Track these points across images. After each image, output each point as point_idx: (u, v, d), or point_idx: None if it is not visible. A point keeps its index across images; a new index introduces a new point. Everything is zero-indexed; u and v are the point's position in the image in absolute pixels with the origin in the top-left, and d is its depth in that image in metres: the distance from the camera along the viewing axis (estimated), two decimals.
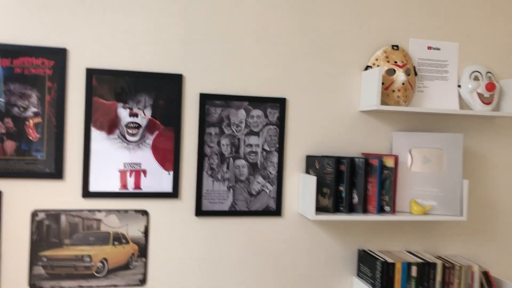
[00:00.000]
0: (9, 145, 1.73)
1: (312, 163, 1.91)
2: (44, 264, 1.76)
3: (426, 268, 1.86)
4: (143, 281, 1.84)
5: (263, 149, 1.92)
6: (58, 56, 1.76)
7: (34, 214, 1.75)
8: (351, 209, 1.87)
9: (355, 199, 1.86)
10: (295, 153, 1.94)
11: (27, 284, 1.75)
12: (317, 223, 1.97)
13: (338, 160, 1.84)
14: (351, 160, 1.85)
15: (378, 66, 1.92)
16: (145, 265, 1.84)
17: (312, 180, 1.78)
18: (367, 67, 1.97)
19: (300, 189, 1.92)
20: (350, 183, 1.85)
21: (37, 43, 1.73)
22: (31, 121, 1.75)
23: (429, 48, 2.05)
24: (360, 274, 1.98)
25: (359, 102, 1.99)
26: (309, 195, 1.80)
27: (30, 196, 1.75)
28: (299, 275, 1.96)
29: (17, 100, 1.73)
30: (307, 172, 1.93)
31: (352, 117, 1.99)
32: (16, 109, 1.73)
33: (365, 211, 1.86)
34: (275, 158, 1.93)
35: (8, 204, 1.73)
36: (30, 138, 1.74)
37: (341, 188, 1.85)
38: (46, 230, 1.76)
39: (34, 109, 1.75)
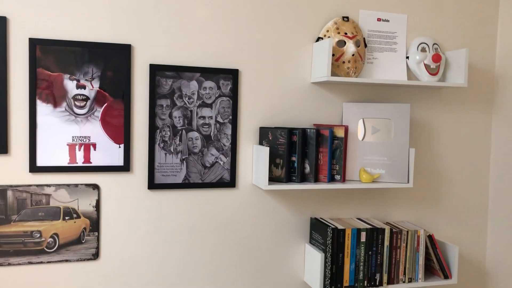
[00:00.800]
0: None
1: (265, 135, 2.02)
2: None
3: (375, 233, 2.03)
4: (96, 255, 1.91)
5: (216, 121, 2.00)
6: None
7: None
8: (303, 179, 2.00)
9: (307, 169, 1.99)
10: (249, 124, 2.04)
11: None
12: (270, 193, 2.09)
13: (290, 131, 1.96)
14: (303, 131, 1.97)
15: (329, 37, 2.03)
16: (98, 239, 1.91)
17: (265, 151, 1.89)
18: (318, 39, 2.08)
19: (254, 160, 2.03)
20: (302, 154, 1.98)
21: None
22: None
23: (379, 19, 2.18)
24: (312, 241, 2.14)
25: (311, 74, 2.11)
26: (262, 166, 1.91)
27: None
28: (253, 245, 2.09)
29: None
30: (261, 143, 2.04)
31: (304, 89, 2.11)
32: None
33: (316, 180, 2.00)
34: (228, 130, 2.02)
35: None
36: None
37: (294, 159, 1.97)
38: None
39: None
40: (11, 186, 1.78)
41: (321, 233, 2.02)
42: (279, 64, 2.03)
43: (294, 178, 1.96)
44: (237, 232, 2.04)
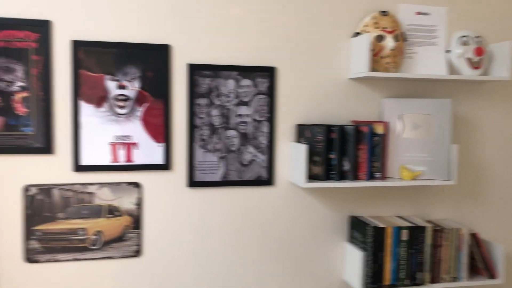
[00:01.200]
0: None
1: (302, 132, 2.01)
2: (39, 238, 1.86)
3: (416, 231, 2.00)
4: (138, 252, 1.95)
5: (254, 119, 2.01)
6: (42, 29, 1.81)
7: (26, 189, 1.84)
8: (342, 176, 1.98)
9: (346, 166, 1.97)
10: (286, 122, 2.04)
11: (23, 258, 1.85)
12: (308, 191, 2.09)
13: (328, 128, 1.95)
14: (342, 128, 1.96)
15: (367, 32, 2.01)
16: (140, 236, 1.95)
17: (303, 148, 1.89)
18: (356, 34, 2.06)
19: (291, 158, 2.03)
20: (341, 151, 1.96)
21: (19, 16, 1.78)
22: (18, 96, 1.81)
23: (418, 13, 2.14)
24: (351, 239, 2.12)
25: (349, 70, 2.09)
26: (300, 163, 1.91)
27: (20, 171, 1.83)
28: (291, 243, 2.09)
29: (3, 74, 1.79)
30: (298, 141, 2.04)
31: (342, 85, 2.09)
32: (2, 83, 1.79)
33: (355, 178, 1.98)
34: (265, 128, 2.02)
35: None
36: (18, 112, 1.81)
37: (332, 156, 1.96)
38: (39, 205, 1.86)
39: (21, 83, 1.81)
40: (56, 185, 1.84)
41: (361, 231, 2.00)
42: (316, 61, 2.02)
43: (332, 175, 1.94)
44: (275, 229, 2.05)
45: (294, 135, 2.04)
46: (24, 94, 1.80)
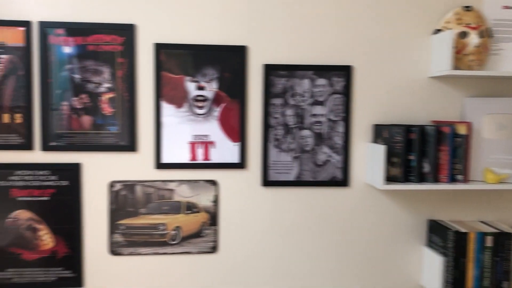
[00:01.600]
0: (86, 120, 1.92)
1: (380, 132, 1.97)
2: (122, 232, 1.96)
3: (502, 238, 1.90)
4: (214, 248, 2.00)
5: (329, 119, 2.00)
6: (128, 32, 1.90)
7: (111, 185, 1.95)
8: (421, 179, 1.92)
9: (426, 168, 1.91)
10: (362, 122, 2.01)
11: (108, 251, 1.96)
12: (385, 193, 2.04)
13: (407, 128, 1.90)
14: (422, 128, 1.90)
15: (449, 29, 1.93)
16: (216, 233, 2.00)
17: (381, 149, 1.85)
18: (437, 31, 1.99)
19: (368, 159, 2.00)
20: (421, 152, 1.90)
21: (107, 20, 1.88)
22: (105, 96, 1.92)
23: (505, 7, 2.02)
24: (430, 244, 2.05)
25: (429, 68, 2.02)
26: (378, 164, 1.87)
27: (106, 167, 1.94)
28: (367, 245, 2.06)
29: (91, 76, 1.91)
30: (375, 141, 2.00)
31: (421, 84, 2.02)
32: (91, 85, 1.91)
33: (436, 180, 1.91)
34: (341, 128, 2.01)
35: (87, 176, 1.94)
36: (105, 112, 1.92)
37: (411, 157, 1.90)
38: (122, 200, 1.96)
39: (107, 85, 1.92)
40: (139, 181, 1.93)
41: (441, 236, 1.93)
42: (394, 59, 1.97)
43: (411, 177, 1.89)
44: (350, 232, 2.03)
45: (370, 136, 2.00)
46: (110, 95, 1.90)
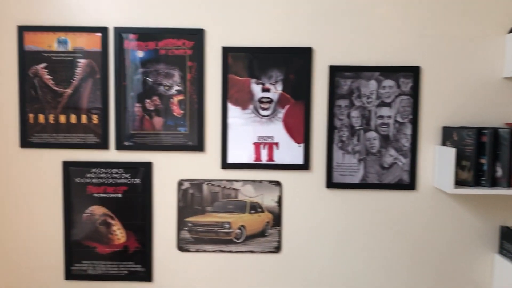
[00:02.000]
0: (158, 121, 2.01)
1: (449, 135, 1.93)
2: (190, 229, 2.04)
3: None
4: (278, 248, 2.04)
5: (396, 121, 1.98)
6: (197, 37, 1.98)
7: (180, 183, 2.03)
8: (493, 183, 1.86)
9: (499, 172, 1.85)
10: (430, 124, 1.97)
11: (176, 247, 2.04)
12: (454, 198, 1.99)
13: (479, 131, 1.84)
14: (495, 130, 1.83)
15: None
16: (280, 233, 2.03)
17: (450, 152, 1.81)
18: (511, 30, 1.91)
19: (436, 162, 1.96)
20: (493, 156, 1.84)
21: (178, 25, 1.96)
22: (175, 99, 2.00)
23: None
24: (502, 251, 1.97)
25: (503, 68, 1.95)
26: (447, 168, 1.83)
27: (176, 167, 2.02)
28: (434, 251, 2.01)
29: (163, 79, 1.99)
30: (444, 144, 1.96)
31: (494, 85, 1.95)
32: (162, 88, 2.00)
33: (510, 185, 1.84)
34: (408, 130, 1.98)
35: (157, 174, 2.03)
36: (175, 114, 2.00)
37: (483, 161, 1.85)
38: (190, 198, 2.03)
39: (177, 87, 2.00)
40: (206, 180, 2.00)
41: None
42: (464, 59, 1.92)
43: (483, 182, 1.83)
44: (415, 236, 1.99)
45: (439, 138, 1.95)
46: (180, 97, 1.98)
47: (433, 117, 1.95)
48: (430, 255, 1.99)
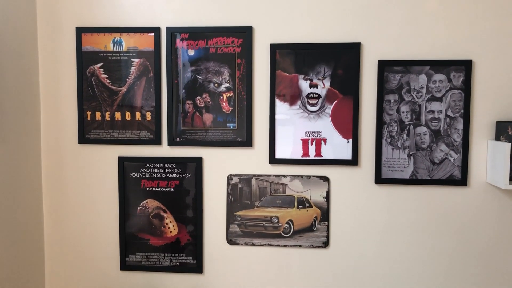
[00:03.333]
0: (208, 118, 2.09)
1: (503, 129, 1.90)
2: (239, 223, 2.10)
3: None
4: (326, 243, 2.07)
5: (446, 115, 1.97)
6: (246, 34, 2.04)
7: (229, 178, 2.10)
8: None
9: None
10: (483, 118, 1.95)
11: (225, 240, 2.12)
12: (509, 194, 1.96)
13: None
14: None
15: None
16: (328, 228, 2.07)
17: (505, 147, 1.78)
18: None
19: (489, 157, 1.93)
20: None
21: (227, 24, 2.03)
22: (224, 96, 2.07)
23: None
24: None
25: None
26: (501, 163, 1.81)
27: (225, 162, 2.09)
28: (487, 249, 1.99)
29: (213, 77, 2.07)
30: (498, 138, 1.93)
31: None
32: (212, 85, 2.07)
33: None
34: (460, 125, 1.96)
35: (208, 169, 2.11)
36: (224, 110, 2.07)
37: None
38: (239, 193, 2.10)
39: (227, 84, 2.07)
40: (254, 175, 2.06)
41: None
42: None
43: None
44: (469, 234, 1.98)
45: (492, 133, 1.93)
46: (229, 94, 2.05)
47: (485, 111, 1.93)
48: (484, 252, 1.97)
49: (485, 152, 1.94)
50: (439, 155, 1.96)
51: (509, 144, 1.77)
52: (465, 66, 1.93)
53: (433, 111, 1.95)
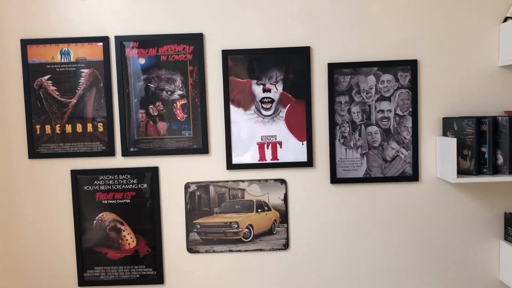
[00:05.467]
0: (162, 126, 2.08)
1: (449, 125, 1.99)
2: (198, 230, 2.11)
3: None
4: (286, 245, 2.10)
5: (396, 114, 2.04)
6: (197, 41, 2.05)
7: (187, 186, 2.10)
8: (495, 171, 1.92)
9: (500, 160, 1.91)
10: (430, 115, 2.03)
11: (185, 249, 2.11)
12: (458, 187, 2.05)
13: (478, 120, 1.90)
14: (494, 119, 1.90)
15: None
16: (287, 230, 2.10)
17: (452, 142, 1.87)
18: (506, 19, 1.98)
19: (438, 153, 2.02)
20: (494, 144, 1.90)
21: (177, 31, 2.03)
22: (178, 103, 2.07)
23: None
24: (507, 237, 2.03)
25: (498, 57, 2.01)
26: (449, 158, 1.89)
27: (182, 170, 2.09)
28: (440, 241, 2.07)
29: (165, 85, 2.07)
30: (445, 134, 2.02)
31: (491, 74, 2.02)
32: (165, 93, 2.07)
33: (511, 172, 1.90)
34: (408, 123, 2.04)
35: (164, 178, 2.10)
36: (178, 118, 2.08)
37: (484, 149, 1.91)
38: (197, 200, 2.10)
39: (180, 92, 2.07)
40: (212, 182, 2.07)
41: None
42: (461, 50, 1.99)
43: (485, 170, 1.90)
44: (421, 227, 2.06)
45: (439, 129, 2.02)
46: (183, 102, 2.06)
47: (432, 108, 2.01)
48: (436, 244, 2.05)
49: (434, 148, 2.02)
50: (390, 153, 2.03)
51: (455, 139, 1.85)
52: (411, 66, 2.00)
53: (382, 111, 2.02)
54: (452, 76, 1.98)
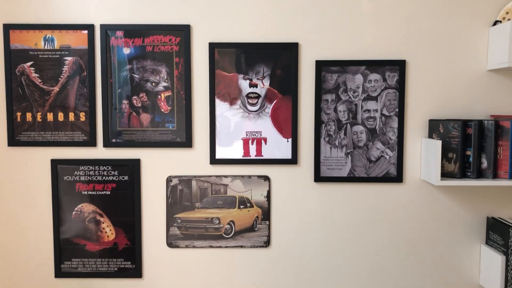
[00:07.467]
0: (145, 118, 2.06)
1: (435, 127, 1.98)
2: (179, 225, 2.08)
3: None
4: (267, 242, 2.09)
5: (382, 114, 2.03)
6: (183, 33, 2.02)
7: (169, 179, 2.07)
8: (479, 175, 1.92)
9: (484, 163, 1.91)
10: (417, 117, 2.03)
11: (165, 243, 2.09)
12: (441, 190, 2.05)
13: (464, 123, 1.90)
14: (479, 122, 1.89)
15: (509, 19, 1.91)
16: (269, 228, 2.08)
17: (436, 144, 1.86)
18: (495, 22, 1.97)
19: (423, 155, 2.01)
20: (479, 147, 1.90)
21: (164, 22, 2.00)
22: (162, 95, 2.05)
23: None
24: (489, 242, 2.03)
25: (486, 61, 2.00)
26: (433, 160, 1.89)
27: (164, 163, 2.07)
28: (421, 243, 2.07)
29: (150, 76, 2.04)
30: (430, 136, 2.01)
31: (479, 77, 2.01)
32: (149, 84, 2.04)
33: (495, 176, 1.90)
34: (395, 123, 2.03)
35: (146, 171, 2.07)
36: (162, 110, 2.05)
37: (468, 153, 1.91)
38: (179, 194, 2.08)
39: (165, 84, 2.04)
40: (195, 176, 2.05)
41: (501, 234, 1.92)
42: (450, 52, 1.98)
43: (469, 173, 1.89)
44: (404, 228, 2.05)
45: (425, 131, 2.01)
46: (167, 93, 2.03)
47: (419, 110, 2.00)
48: (418, 246, 2.05)
49: (419, 150, 2.02)
50: (375, 153, 2.02)
51: (440, 141, 1.84)
52: (399, 66, 1.99)
53: (369, 110, 2.01)
54: (440, 78, 1.98)
